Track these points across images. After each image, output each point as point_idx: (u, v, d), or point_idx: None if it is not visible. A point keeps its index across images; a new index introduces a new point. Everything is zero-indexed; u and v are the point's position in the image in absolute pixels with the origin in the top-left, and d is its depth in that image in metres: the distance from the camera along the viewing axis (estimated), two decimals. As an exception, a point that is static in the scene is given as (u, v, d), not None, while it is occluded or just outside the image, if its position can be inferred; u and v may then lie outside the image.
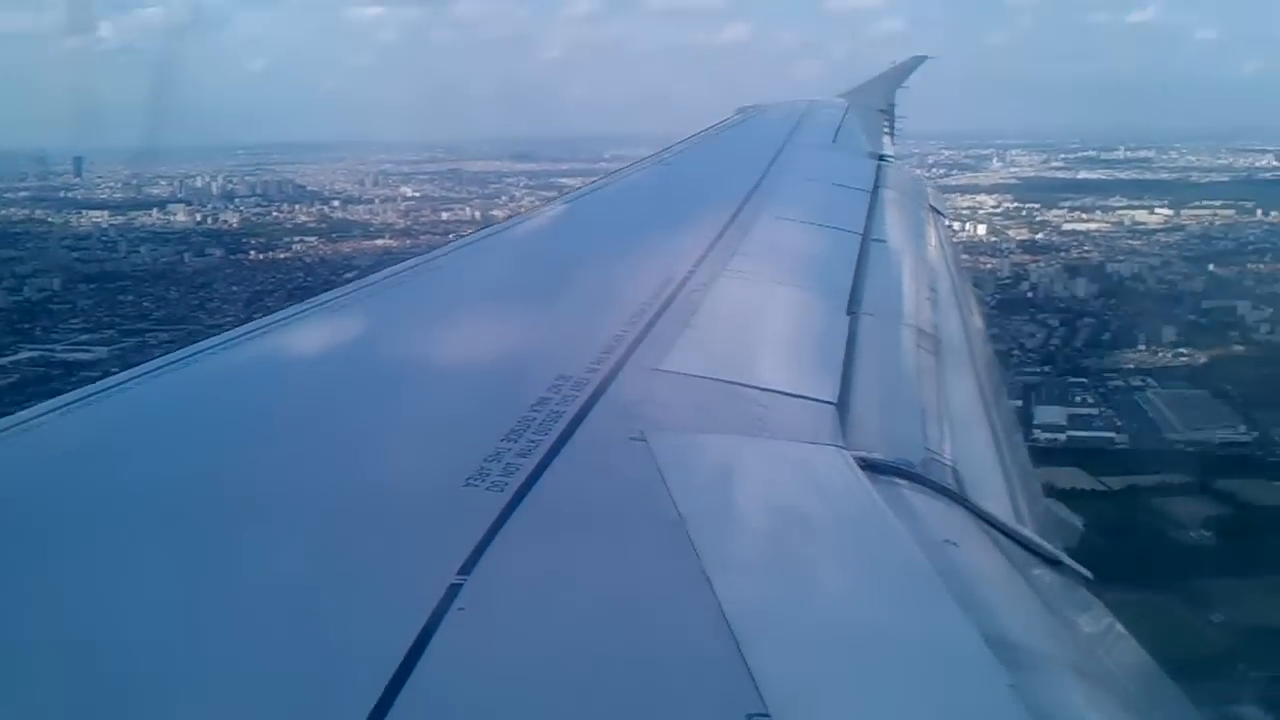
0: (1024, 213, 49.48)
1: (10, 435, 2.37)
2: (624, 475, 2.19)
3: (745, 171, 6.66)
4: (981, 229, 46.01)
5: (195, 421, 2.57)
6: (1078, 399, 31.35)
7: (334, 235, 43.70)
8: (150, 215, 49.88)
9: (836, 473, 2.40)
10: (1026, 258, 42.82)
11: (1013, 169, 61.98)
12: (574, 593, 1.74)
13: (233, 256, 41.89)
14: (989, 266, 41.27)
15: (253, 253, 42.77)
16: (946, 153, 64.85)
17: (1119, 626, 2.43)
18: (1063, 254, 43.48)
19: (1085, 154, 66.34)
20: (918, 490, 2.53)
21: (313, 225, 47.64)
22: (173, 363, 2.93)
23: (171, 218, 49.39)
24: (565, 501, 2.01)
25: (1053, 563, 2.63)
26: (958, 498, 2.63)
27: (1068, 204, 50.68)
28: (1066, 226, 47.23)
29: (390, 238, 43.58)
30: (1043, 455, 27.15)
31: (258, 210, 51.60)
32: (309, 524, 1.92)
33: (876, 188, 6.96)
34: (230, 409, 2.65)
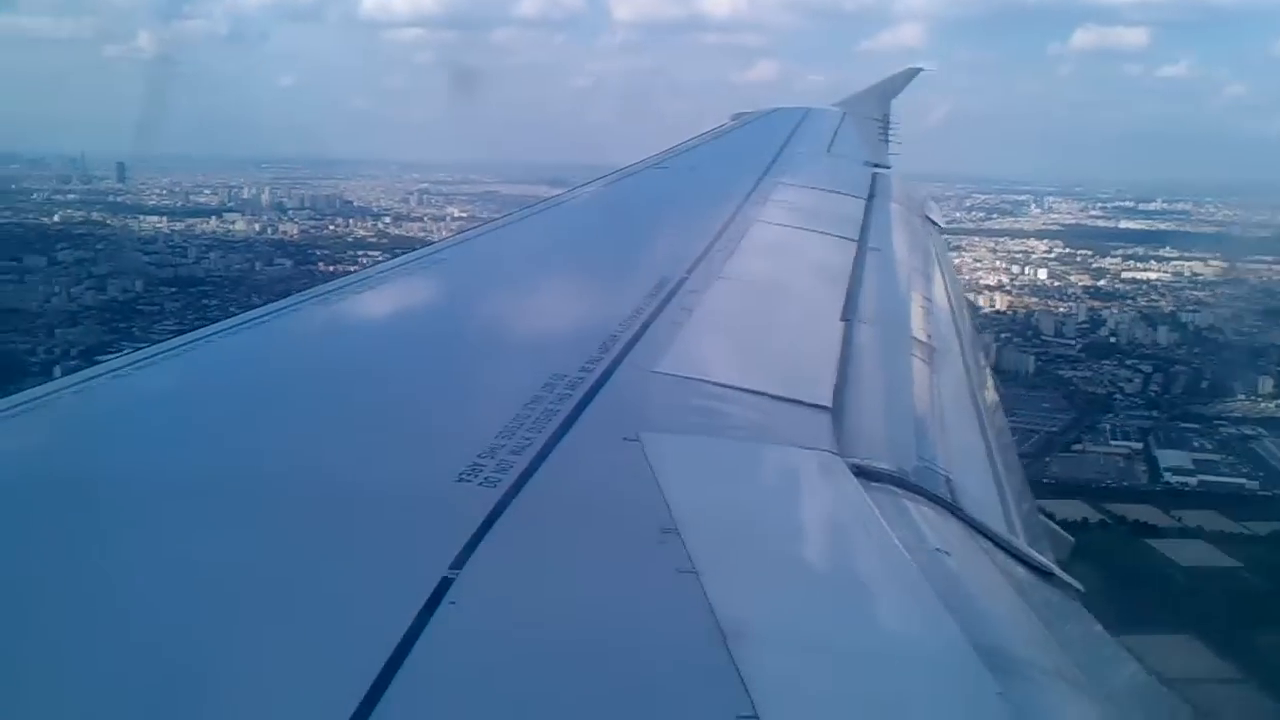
0: (1078, 259, 50.49)
1: None
2: (617, 475, 2.19)
3: (741, 177, 6.65)
4: (1043, 273, 47.47)
5: (192, 411, 2.55)
6: (1195, 444, 32.60)
7: (396, 250, 43.82)
8: (209, 223, 50.76)
9: (830, 478, 2.40)
10: (1097, 303, 44.08)
11: (1052, 215, 62.66)
12: (565, 590, 1.74)
13: (302, 267, 42.62)
14: (1062, 310, 42.99)
15: (321, 264, 43.14)
16: (981, 197, 65.71)
17: (1107, 636, 2.44)
18: (1130, 301, 44.59)
19: (1121, 204, 66.81)
20: (911, 498, 2.52)
21: (372, 240, 48.09)
22: (168, 351, 2.91)
23: (230, 226, 50.23)
24: (558, 499, 2.01)
25: (1044, 574, 2.63)
26: (950, 506, 2.63)
27: (1120, 252, 51.50)
28: (1126, 275, 48.18)
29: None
30: (1175, 497, 28.75)
31: (313, 223, 52.32)
32: (303, 515, 1.91)
33: (872, 195, 6.96)
34: (227, 400, 2.63)
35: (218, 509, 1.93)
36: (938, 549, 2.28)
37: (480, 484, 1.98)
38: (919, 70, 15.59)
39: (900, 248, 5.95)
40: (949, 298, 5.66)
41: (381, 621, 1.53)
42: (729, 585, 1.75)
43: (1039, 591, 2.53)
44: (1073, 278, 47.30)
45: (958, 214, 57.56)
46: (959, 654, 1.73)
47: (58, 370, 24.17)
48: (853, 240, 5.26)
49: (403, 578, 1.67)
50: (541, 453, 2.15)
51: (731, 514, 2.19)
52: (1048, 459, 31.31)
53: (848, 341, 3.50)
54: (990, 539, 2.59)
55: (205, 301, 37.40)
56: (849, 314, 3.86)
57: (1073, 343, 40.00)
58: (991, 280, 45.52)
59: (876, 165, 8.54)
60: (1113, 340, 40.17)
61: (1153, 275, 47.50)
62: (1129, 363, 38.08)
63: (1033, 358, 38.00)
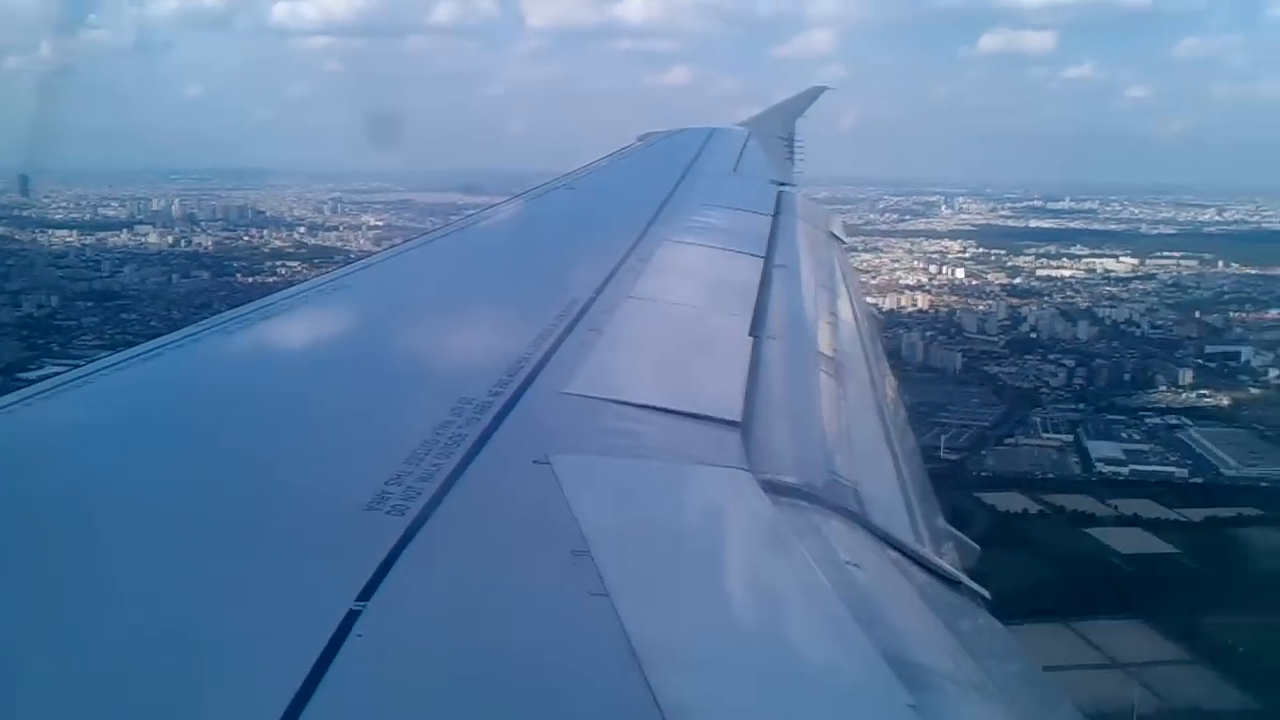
0: (993, 258, 52.06)
1: None
2: (527, 499, 2.17)
3: (649, 196, 6.69)
4: (960, 272, 48.93)
5: (104, 438, 2.47)
6: (1123, 435, 33.77)
7: (314, 260, 43.02)
8: (119, 236, 49.85)
9: (740, 495, 2.41)
10: (1016, 301, 45.50)
11: (963, 216, 64.65)
12: (477, 617, 1.71)
13: (220, 279, 42.22)
14: (981, 307, 44.29)
15: (239, 275, 42.75)
16: (893, 199, 67.53)
17: (1014, 644, 2.49)
18: (1047, 298, 46.08)
19: (1030, 203, 69.03)
20: (820, 512, 2.55)
21: (290, 250, 47.89)
22: (81, 378, 2.82)
23: (143, 239, 49.37)
24: (468, 525, 1.98)
25: (952, 583, 2.68)
26: (859, 519, 2.66)
27: (1033, 251, 53.30)
28: (1041, 272, 49.87)
29: (371, 265, 43.32)
30: (1110, 487, 29.43)
31: (226, 235, 51.82)
32: (205, 547, 1.86)
33: (778, 213, 7.05)
34: (134, 426, 2.57)
35: (118, 539, 1.87)
36: (848, 562, 2.31)
37: (388, 512, 1.95)
38: (823, 89, 16.10)
39: (806, 264, 6.02)
40: (854, 312, 5.76)
41: (286, 657, 1.49)
42: (641, 606, 1.75)
43: (947, 600, 2.57)
44: (989, 276, 48.86)
45: (871, 216, 59.04)
46: (871, 666, 1.75)
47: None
48: (759, 257, 5.32)
49: (308, 611, 1.62)
50: (450, 478, 2.13)
51: (643, 534, 2.19)
52: (983, 452, 32.21)
53: (756, 357, 3.53)
54: (899, 550, 2.63)
55: (124, 315, 36.95)
56: (757, 330, 3.89)
57: (996, 339, 41.25)
58: (911, 280, 46.71)
59: (782, 184, 8.66)
60: (1034, 336, 41.63)
61: (1066, 272, 49.41)
62: (1052, 357, 39.49)
63: (959, 354, 39.01)
